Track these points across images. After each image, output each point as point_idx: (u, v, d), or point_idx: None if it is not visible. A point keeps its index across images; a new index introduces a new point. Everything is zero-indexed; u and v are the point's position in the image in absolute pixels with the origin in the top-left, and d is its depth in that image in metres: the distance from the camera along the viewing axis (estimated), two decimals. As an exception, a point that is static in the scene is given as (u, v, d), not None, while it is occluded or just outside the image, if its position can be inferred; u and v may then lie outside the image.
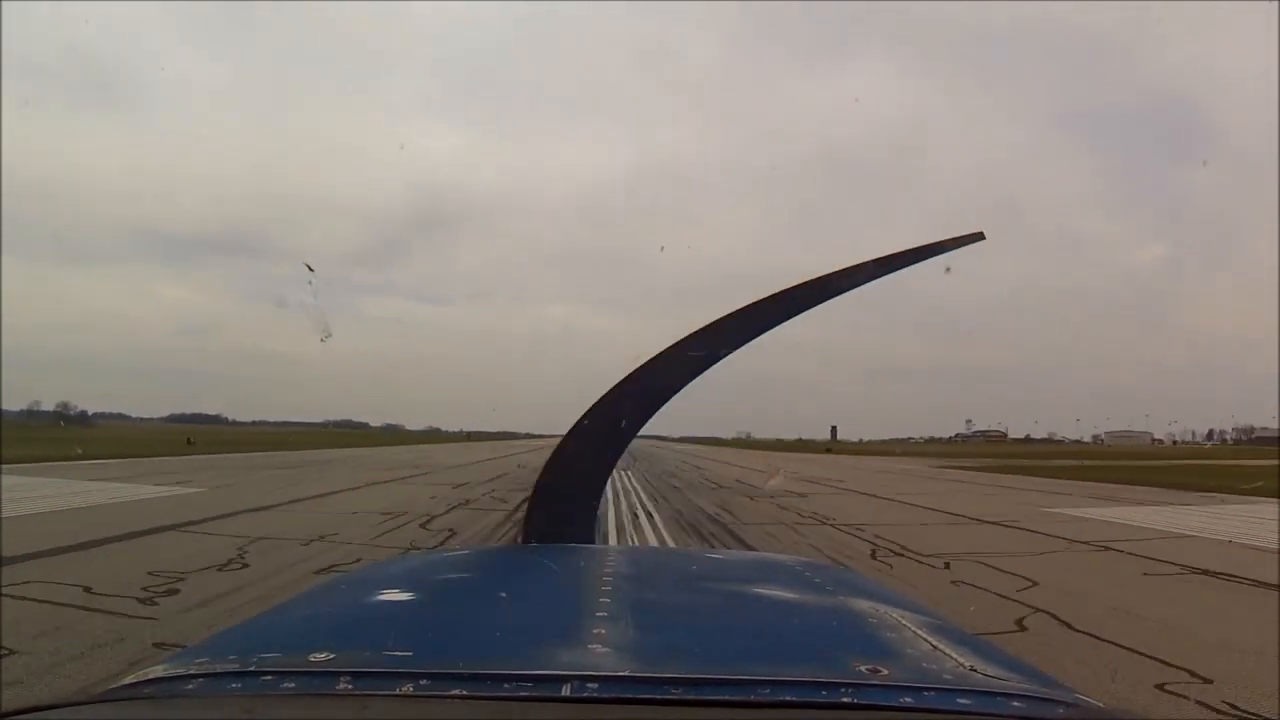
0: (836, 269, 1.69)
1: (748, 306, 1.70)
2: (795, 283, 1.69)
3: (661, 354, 1.69)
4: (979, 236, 1.74)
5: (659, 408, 1.75)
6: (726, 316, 1.69)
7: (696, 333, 1.68)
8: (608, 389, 1.71)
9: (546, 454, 1.80)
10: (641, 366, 1.69)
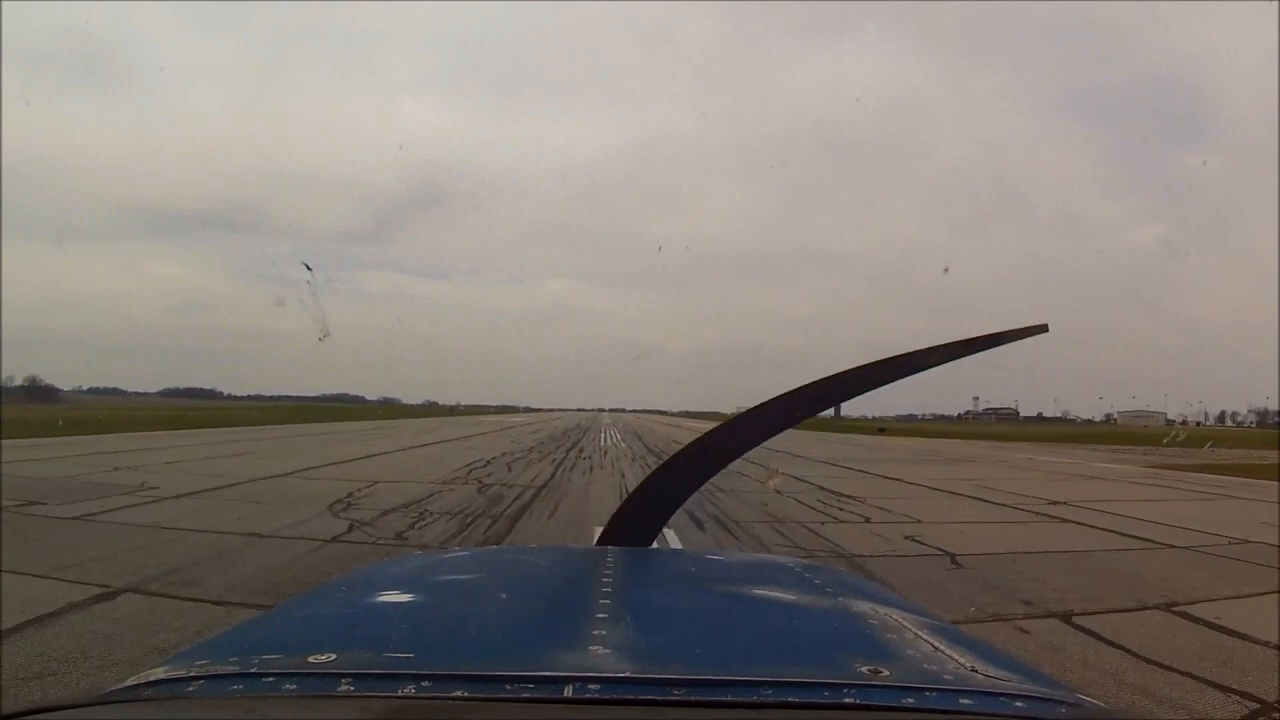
0: (913, 349, 1.68)
1: (829, 378, 1.72)
2: (865, 364, 1.68)
3: (760, 406, 1.70)
4: (1042, 329, 1.74)
5: (738, 455, 1.78)
6: (808, 386, 1.72)
7: (781, 397, 1.70)
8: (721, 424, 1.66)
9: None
10: (749, 411, 1.70)
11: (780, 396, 1.66)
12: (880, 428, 58.20)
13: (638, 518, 1.67)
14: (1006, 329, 1.71)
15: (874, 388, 1.68)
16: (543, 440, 27.55)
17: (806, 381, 1.66)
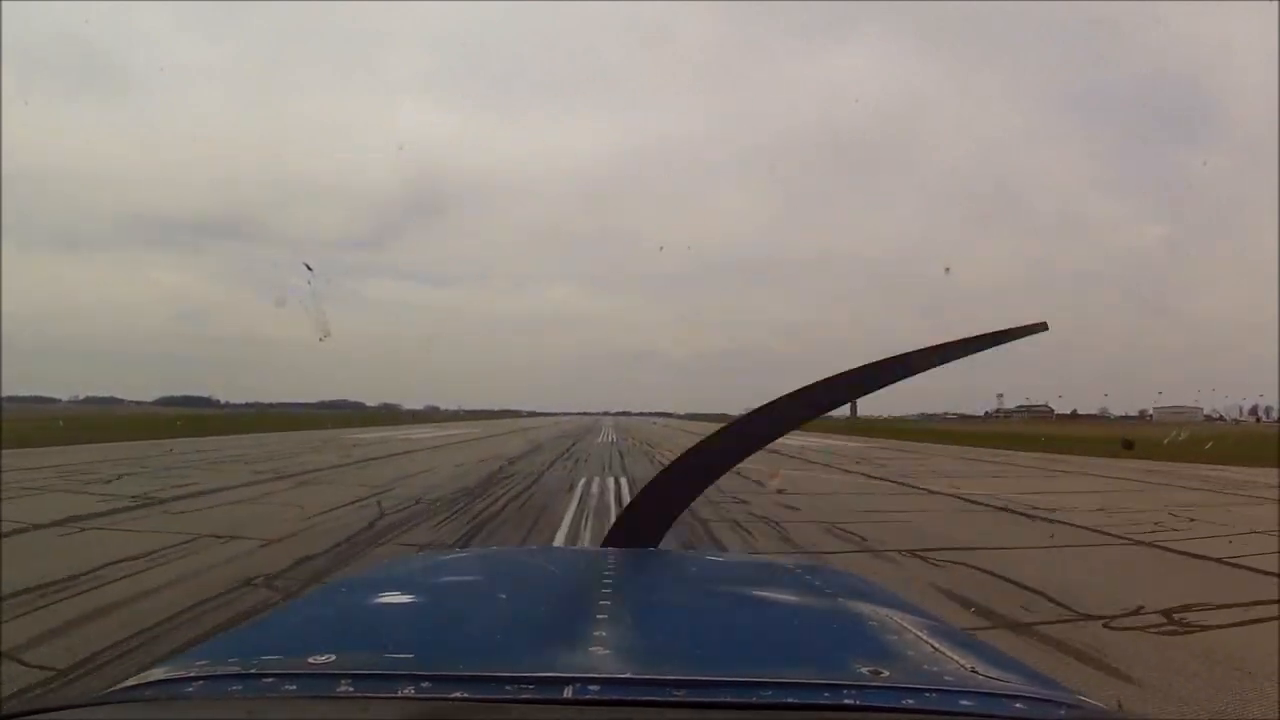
0: (909, 349, 1.75)
1: (830, 380, 1.78)
2: (865, 364, 1.73)
3: (763, 408, 1.76)
4: (1042, 327, 1.79)
5: (744, 457, 1.85)
6: (812, 386, 1.77)
7: (783, 399, 1.75)
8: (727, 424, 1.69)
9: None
10: (752, 412, 1.78)
11: (782, 399, 1.71)
12: (1127, 440, 29.80)
13: (645, 518, 1.71)
14: (1006, 328, 1.77)
15: (875, 389, 1.74)
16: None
17: (808, 382, 1.71)
